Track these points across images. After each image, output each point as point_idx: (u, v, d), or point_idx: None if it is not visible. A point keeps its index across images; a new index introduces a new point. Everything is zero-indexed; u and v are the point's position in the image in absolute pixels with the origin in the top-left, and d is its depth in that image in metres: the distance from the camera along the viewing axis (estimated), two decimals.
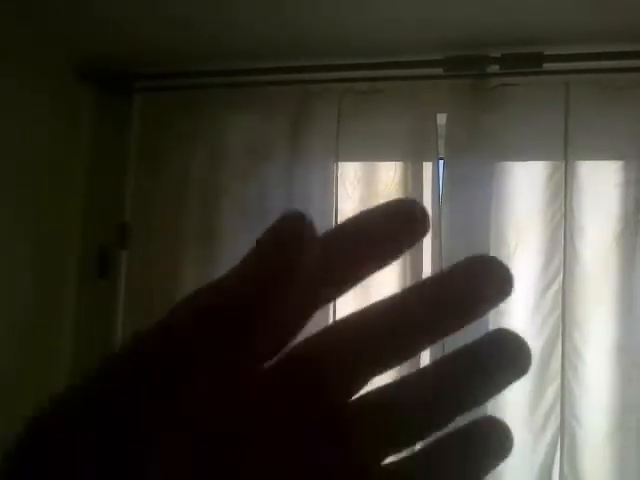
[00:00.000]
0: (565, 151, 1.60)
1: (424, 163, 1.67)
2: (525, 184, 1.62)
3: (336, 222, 1.67)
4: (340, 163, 1.70)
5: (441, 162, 1.67)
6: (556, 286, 1.56)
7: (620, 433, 1.48)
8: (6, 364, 1.63)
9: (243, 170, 1.75)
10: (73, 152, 1.85)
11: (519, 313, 1.57)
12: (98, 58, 1.79)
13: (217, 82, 1.78)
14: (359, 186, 1.69)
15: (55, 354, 1.79)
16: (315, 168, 1.71)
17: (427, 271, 1.62)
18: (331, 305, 1.60)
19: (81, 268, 1.84)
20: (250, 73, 1.73)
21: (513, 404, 1.53)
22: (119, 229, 1.82)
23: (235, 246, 1.72)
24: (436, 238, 1.61)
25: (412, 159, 1.68)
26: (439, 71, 1.65)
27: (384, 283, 1.64)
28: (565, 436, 1.50)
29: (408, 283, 1.62)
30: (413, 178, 1.66)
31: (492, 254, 1.57)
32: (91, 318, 1.82)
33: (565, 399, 1.51)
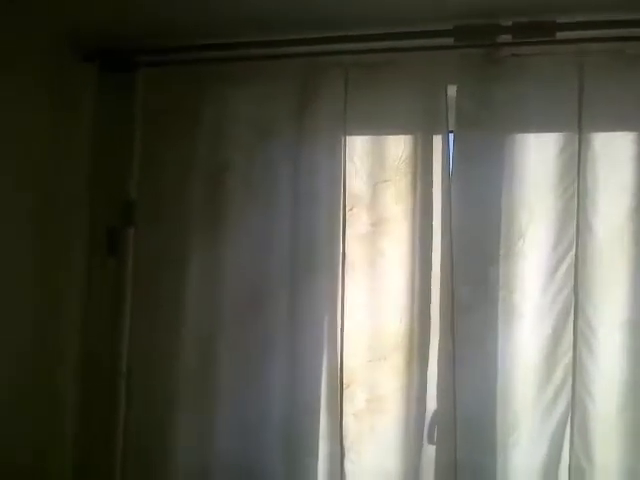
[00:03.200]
0: (579, 122, 1.56)
1: (434, 136, 1.63)
2: (537, 157, 1.59)
3: (344, 197, 1.65)
4: (348, 137, 1.67)
5: (451, 135, 1.63)
6: (568, 261, 1.53)
7: (631, 408, 1.47)
8: (19, 337, 1.66)
9: (249, 145, 1.72)
10: (77, 129, 1.83)
11: (531, 288, 1.55)
12: (100, 34, 1.76)
13: (222, 56, 1.74)
14: (367, 160, 1.66)
15: (65, 330, 1.80)
16: (323, 142, 1.68)
17: (436, 247, 1.59)
18: (340, 285, 1.59)
19: (90, 246, 1.83)
20: (255, 46, 1.69)
21: (524, 379, 1.52)
22: (125, 207, 1.81)
23: (241, 222, 1.71)
24: (445, 213, 1.59)
25: (421, 132, 1.64)
26: (449, 41, 1.60)
27: (393, 258, 1.63)
28: (576, 411, 1.50)
29: (417, 259, 1.61)
30: (422, 152, 1.63)
31: (503, 228, 1.56)
32: (100, 294, 1.81)
33: (577, 374, 1.50)
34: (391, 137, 1.66)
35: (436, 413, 1.58)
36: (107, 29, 1.75)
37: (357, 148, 1.67)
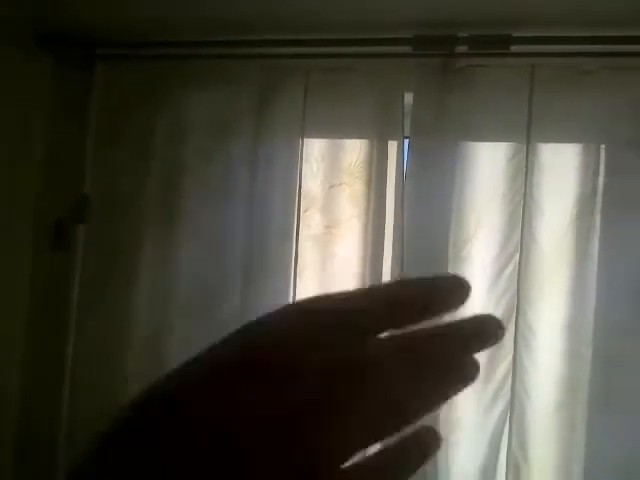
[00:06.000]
0: (528, 133, 1.62)
1: (389, 142, 1.67)
2: (488, 165, 1.64)
3: (299, 199, 1.68)
4: (305, 139, 1.70)
5: (406, 141, 1.67)
6: (512, 265, 1.60)
7: (568, 408, 1.54)
8: None
9: (206, 146, 1.73)
10: (30, 118, 1.78)
11: (476, 290, 1.61)
12: (59, 23, 1.73)
13: (182, 54, 1.74)
14: (324, 163, 1.69)
15: (8, 327, 1.75)
16: (280, 145, 1.70)
17: (388, 250, 1.64)
18: (292, 286, 1.62)
19: (35, 240, 1.79)
20: (216, 45, 1.70)
21: None
22: (77, 201, 1.79)
23: (196, 224, 1.72)
24: (398, 216, 1.63)
25: (377, 137, 1.68)
26: (407, 49, 1.63)
27: (345, 261, 1.67)
28: (515, 410, 1.57)
29: (369, 262, 1.65)
30: (378, 156, 1.67)
31: (452, 233, 1.61)
32: (45, 291, 1.78)
33: (516, 374, 1.57)
34: (348, 141, 1.70)
35: None
36: (69, 18, 1.71)
37: (314, 151, 1.70)
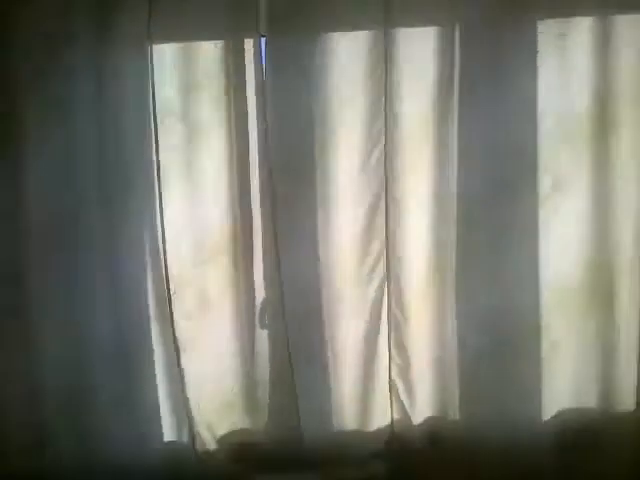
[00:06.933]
0: (385, 19, 1.60)
1: (245, 40, 1.62)
2: (348, 56, 1.63)
3: (154, 109, 1.61)
4: (155, 46, 1.60)
5: (263, 38, 1.62)
6: (378, 150, 1.63)
7: (437, 273, 1.66)
8: None
9: (44, 62, 1.60)
10: None
11: (346, 177, 1.64)
12: None
13: None
14: (177, 69, 1.62)
15: None
16: (127, 54, 1.60)
17: (254, 155, 1.62)
18: (157, 197, 1.52)
19: None
20: None
21: (343, 258, 1.65)
22: None
23: (42, 143, 1.61)
24: (261, 116, 1.60)
25: (232, 37, 1.62)
26: None
27: (210, 170, 1.64)
28: (391, 278, 1.66)
29: (235, 169, 1.64)
30: (234, 56, 1.62)
31: (315, 126, 1.59)
32: None
33: (389, 247, 1.65)
34: (201, 43, 1.62)
35: (265, 301, 1.68)
36: None
37: (166, 57, 1.62)
